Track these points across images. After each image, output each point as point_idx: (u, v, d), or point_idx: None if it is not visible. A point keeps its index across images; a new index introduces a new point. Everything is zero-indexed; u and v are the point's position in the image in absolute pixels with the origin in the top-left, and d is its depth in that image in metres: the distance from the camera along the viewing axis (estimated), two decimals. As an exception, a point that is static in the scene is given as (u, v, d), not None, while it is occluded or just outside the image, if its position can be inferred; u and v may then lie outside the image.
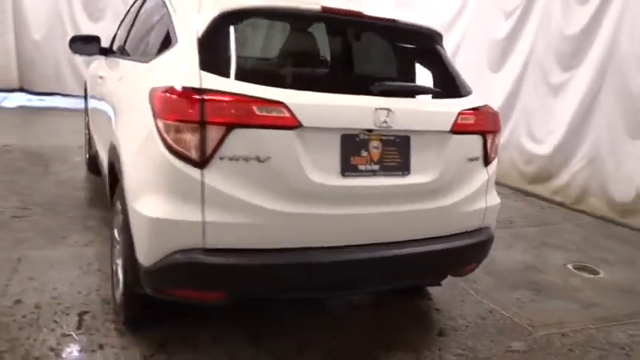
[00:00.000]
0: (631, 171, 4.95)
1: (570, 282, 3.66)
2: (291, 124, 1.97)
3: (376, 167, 2.16)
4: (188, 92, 1.93)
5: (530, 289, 3.44)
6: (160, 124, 1.96)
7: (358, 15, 2.26)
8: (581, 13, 5.36)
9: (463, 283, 3.31)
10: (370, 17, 2.27)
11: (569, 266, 3.94)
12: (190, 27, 2.17)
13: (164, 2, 2.58)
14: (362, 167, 2.13)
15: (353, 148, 2.11)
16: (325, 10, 2.18)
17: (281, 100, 1.97)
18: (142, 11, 3.23)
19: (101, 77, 3.48)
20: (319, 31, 2.22)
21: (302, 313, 2.82)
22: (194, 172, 1.93)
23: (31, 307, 2.60)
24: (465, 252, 2.43)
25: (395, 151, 2.19)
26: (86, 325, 2.50)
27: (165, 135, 1.95)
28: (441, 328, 2.81)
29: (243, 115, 1.93)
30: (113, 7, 8.52)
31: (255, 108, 1.94)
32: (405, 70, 2.39)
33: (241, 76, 2.01)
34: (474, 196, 2.44)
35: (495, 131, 2.49)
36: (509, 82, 6.05)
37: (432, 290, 3.18)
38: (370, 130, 2.12)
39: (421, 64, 2.43)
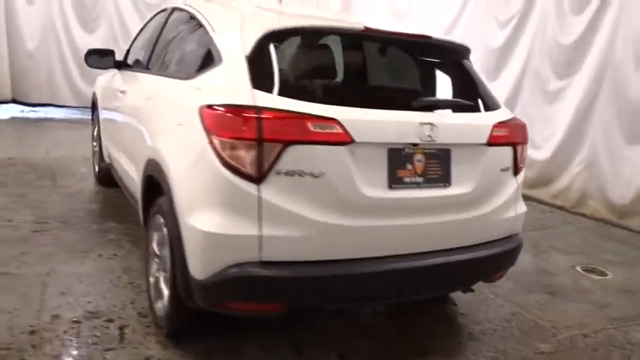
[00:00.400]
0: (628, 174, 5.13)
1: (581, 284, 3.79)
2: (344, 140, 2.05)
3: (420, 180, 2.24)
4: (245, 110, 2.00)
5: (545, 292, 3.55)
6: (216, 141, 2.02)
7: (396, 33, 2.35)
8: (576, 23, 5.55)
9: (483, 288, 3.41)
10: (407, 35, 2.36)
11: (578, 268, 4.08)
12: (236, 46, 2.24)
13: (200, 21, 2.64)
14: (407, 180, 2.21)
15: (399, 162, 2.19)
16: (367, 29, 2.27)
17: (334, 116, 2.04)
18: (167, 28, 3.27)
19: (122, 91, 3.51)
20: (360, 49, 2.31)
21: (339, 320, 2.89)
22: (251, 188, 1.99)
23: (69, 322, 2.62)
24: (499, 259, 2.53)
25: (437, 163, 2.28)
26: (128, 339, 2.53)
27: (221, 152, 2.00)
28: (470, 332, 2.91)
29: (298, 132, 2.00)
30: (107, 18, 8.51)
31: (310, 125, 2.01)
32: (440, 85, 2.49)
33: (292, 93, 2.08)
34: (506, 204, 2.54)
35: (524, 142, 2.60)
36: (506, 90, 6.20)
37: (454, 295, 3.27)
38: (415, 144, 2.21)
39: (453, 78, 2.53)
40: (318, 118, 2.02)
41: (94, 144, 5.06)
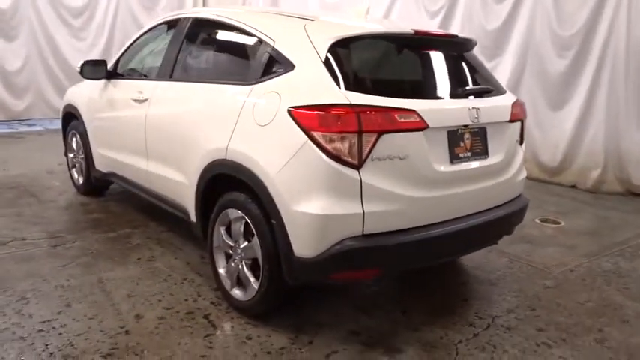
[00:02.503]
0: (555, 138, 6.05)
1: (545, 232, 4.54)
2: (421, 126, 2.47)
3: (469, 154, 2.73)
4: (344, 107, 2.35)
5: (524, 241, 4.23)
6: (318, 135, 2.35)
7: (433, 34, 2.81)
8: (499, 11, 6.36)
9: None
10: (444, 35, 2.82)
11: (537, 220, 4.83)
12: (309, 53, 2.56)
13: (248, 31, 2.92)
14: (461, 155, 2.69)
15: (455, 141, 2.66)
16: (416, 32, 2.71)
17: (413, 107, 2.46)
18: (193, 38, 3.45)
19: (138, 100, 3.62)
20: (411, 49, 2.74)
21: (388, 287, 3.34)
22: (353, 173, 2.36)
23: (155, 320, 2.80)
24: (519, 213, 3.10)
25: (478, 140, 2.78)
26: (218, 325, 2.78)
27: (325, 144, 2.34)
28: (488, 280, 3.48)
29: (389, 123, 2.39)
30: (28, 25, 8.07)
31: (397, 116, 2.41)
32: (468, 75, 2.98)
33: (370, 90, 2.45)
34: (519, 169, 3.12)
35: (525, 117, 3.18)
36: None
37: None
38: (466, 126, 2.69)
39: (472, 68, 3.03)
40: (402, 110, 2.43)
41: (71, 155, 4.99)
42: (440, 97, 2.66)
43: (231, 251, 2.90)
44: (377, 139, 2.37)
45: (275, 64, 2.71)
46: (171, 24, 3.69)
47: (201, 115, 3.02)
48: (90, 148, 4.51)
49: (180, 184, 3.27)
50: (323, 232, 2.40)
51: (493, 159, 2.86)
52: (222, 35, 3.29)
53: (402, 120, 2.42)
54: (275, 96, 2.57)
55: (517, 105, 3.05)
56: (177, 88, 3.35)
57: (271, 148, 2.53)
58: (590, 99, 5.80)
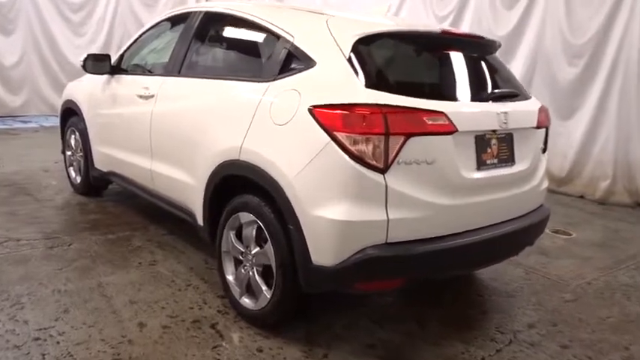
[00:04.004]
0: (563, 147, 5.95)
1: (558, 243, 4.41)
2: (450, 130, 2.33)
3: (496, 161, 2.59)
4: (371, 107, 2.21)
5: (538, 253, 4.09)
6: (342, 136, 2.21)
7: (464, 35, 2.68)
8: (509, 17, 6.25)
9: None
10: (471, 35, 2.69)
11: (548, 231, 4.70)
12: (332, 50, 2.42)
13: (265, 27, 2.77)
14: (488, 161, 2.55)
15: (482, 147, 2.52)
16: (444, 32, 2.58)
17: (442, 110, 2.32)
18: (204, 33, 3.29)
19: (144, 96, 3.46)
20: (438, 49, 2.60)
21: (401, 296, 3.19)
22: (378, 177, 2.21)
23: (159, 328, 2.64)
24: (542, 223, 2.96)
25: (505, 146, 2.65)
26: (226, 335, 2.62)
27: (349, 146, 2.20)
28: (506, 291, 3.34)
29: (417, 125, 2.25)
30: (26, 19, 7.89)
31: (425, 118, 2.27)
32: (493, 78, 2.85)
33: (396, 90, 2.31)
34: (542, 178, 2.99)
35: (550, 125, 3.05)
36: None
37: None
38: (494, 131, 2.56)
39: (497, 71, 2.90)
40: (431, 112, 2.29)
41: (69, 153, 4.82)
42: (468, 100, 2.53)
43: (241, 257, 2.74)
44: (404, 142, 2.23)
45: (294, 61, 2.57)
46: (180, 18, 3.53)
47: (213, 112, 2.86)
48: (89, 146, 4.34)
49: (186, 185, 3.11)
50: (344, 239, 2.25)
51: (519, 166, 2.73)
52: (236, 30, 3.14)
53: (431, 122, 2.29)
54: (294, 94, 2.43)
55: (543, 111, 2.93)
56: (186, 84, 3.20)
57: (290, 149, 2.38)
58: (601, 108, 5.70)
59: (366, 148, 2.20)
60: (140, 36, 3.95)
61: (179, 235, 3.85)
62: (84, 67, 3.89)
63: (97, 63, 3.88)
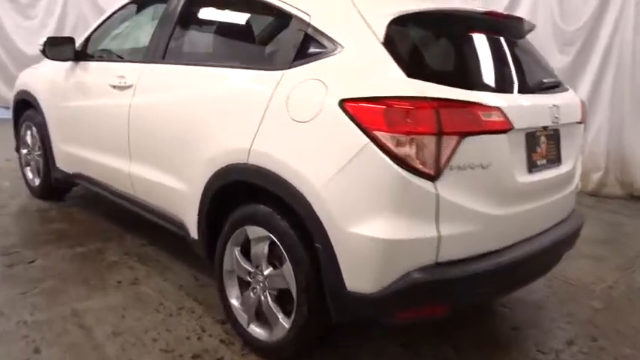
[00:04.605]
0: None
1: (564, 242, 4.18)
2: (506, 127, 1.98)
3: (545, 161, 2.26)
4: (420, 101, 1.82)
5: (549, 253, 3.85)
6: (385, 137, 1.82)
7: (506, 16, 2.32)
8: (498, 2, 5.96)
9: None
10: (511, 17, 2.33)
11: (550, 228, 4.48)
12: (363, 32, 2.02)
13: (274, 4, 2.32)
14: (538, 162, 2.22)
15: (532, 146, 2.18)
16: (487, 13, 2.21)
17: (497, 104, 1.96)
18: (193, 13, 2.80)
19: (119, 86, 2.96)
20: (481, 33, 2.22)
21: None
22: (428, 185, 1.84)
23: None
24: (580, 228, 2.66)
25: (553, 144, 2.32)
26: (235, 372, 2.21)
27: (393, 148, 1.81)
28: (533, 302, 3.04)
29: (472, 123, 1.89)
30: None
31: (481, 114, 1.90)
32: (533, 65, 2.50)
33: (444, 81, 1.93)
34: (578, 178, 2.69)
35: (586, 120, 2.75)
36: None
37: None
38: (545, 127, 2.22)
39: (534, 58, 2.55)
40: (486, 107, 1.93)
41: (25, 151, 4.22)
42: (518, 92, 2.18)
43: (249, 278, 2.33)
44: (458, 143, 1.85)
45: (312, 45, 2.15)
46: None
47: (210, 107, 2.41)
48: (50, 144, 3.77)
49: (176, 192, 2.65)
50: (388, 261, 1.87)
51: (565, 167, 2.41)
52: (235, 9, 2.66)
53: (487, 119, 1.92)
54: (318, 85, 2.01)
55: (583, 104, 2.62)
56: (174, 73, 2.71)
57: (316, 152, 1.97)
58: (593, 99, 5.49)
59: (413, 151, 1.81)
60: (110, 16, 3.40)
61: (161, 245, 3.37)
62: (43, 51, 3.33)
63: (58, 48, 3.33)
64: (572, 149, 2.47)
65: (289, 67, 2.16)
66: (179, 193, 2.62)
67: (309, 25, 2.17)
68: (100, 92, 3.14)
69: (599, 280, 3.41)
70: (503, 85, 2.18)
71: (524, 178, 2.13)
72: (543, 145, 2.25)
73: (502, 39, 2.30)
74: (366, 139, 1.84)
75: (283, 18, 2.30)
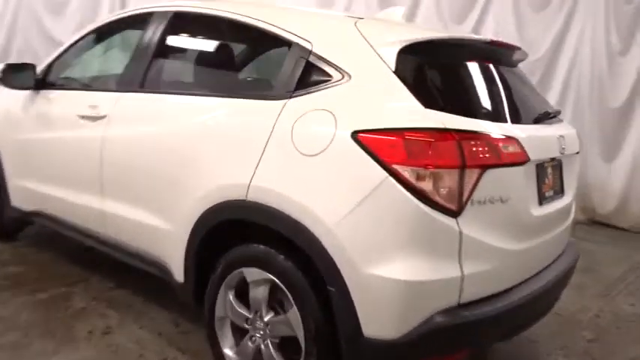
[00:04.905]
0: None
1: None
2: (523, 159, 1.92)
3: (552, 192, 2.21)
4: (442, 133, 1.72)
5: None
6: (406, 170, 1.70)
7: (508, 45, 2.28)
8: (458, 32, 6.09)
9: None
10: (512, 46, 2.28)
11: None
12: (372, 61, 1.92)
13: (269, 31, 2.19)
14: (547, 194, 2.16)
15: (541, 177, 2.12)
16: (492, 42, 2.16)
17: (514, 135, 1.89)
18: (172, 38, 2.61)
19: (91, 117, 2.71)
20: (486, 61, 2.16)
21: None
22: (450, 222, 1.74)
23: None
24: (577, 259, 2.62)
25: (557, 175, 2.27)
26: None
27: (415, 183, 1.70)
28: (526, 335, 2.92)
29: (494, 155, 1.81)
30: None
31: (501, 146, 1.83)
32: (534, 95, 2.47)
33: (459, 111, 1.85)
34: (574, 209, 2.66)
35: None
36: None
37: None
38: (553, 159, 2.18)
39: (529, 87, 2.52)
40: (506, 139, 1.86)
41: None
42: (527, 122, 2.13)
43: (246, 325, 2.13)
44: (480, 176, 1.77)
45: (315, 74, 2.02)
46: (137, 20, 2.80)
47: (200, 139, 2.22)
48: (4, 180, 3.44)
49: (158, 231, 2.43)
50: (410, 304, 1.74)
51: (567, 197, 2.37)
52: (226, 34, 2.50)
53: (506, 151, 1.85)
54: (326, 115, 1.88)
55: (578, 134, 2.61)
56: (156, 102, 2.51)
57: (327, 186, 1.83)
58: (554, 126, 5.65)
59: (435, 185, 1.71)
60: (75, 42, 3.16)
61: (133, 288, 3.10)
62: (2, 79, 3.05)
63: (17, 75, 3.06)
64: (572, 179, 2.44)
65: (290, 97, 2.02)
66: (162, 232, 2.41)
67: (310, 52, 2.05)
68: (66, 123, 2.89)
69: (584, 309, 3.39)
70: (515, 116, 2.12)
71: (537, 210, 2.07)
72: (550, 177, 2.20)
73: (504, 68, 2.25)
74: (385, 173, 1.72)
75: (281, 45, 2.18)
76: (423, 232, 1.72)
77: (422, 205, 1.70)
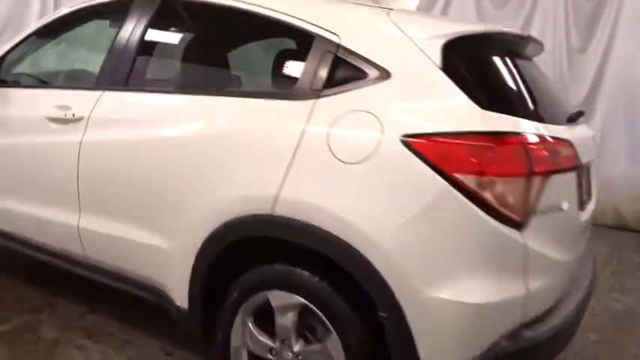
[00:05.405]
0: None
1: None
2: (577, 163, 1.79)
3: (586, 196, 2.10)
4: (509, 138, 1.56)
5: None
6: (470, 180, 1.52)
7: (537, 40, 2.15)
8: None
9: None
10: (532, 39, 2.15)
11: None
12: (409, 55, 1.72)
13: (285, 21, 1.93)
14: (584, 198, 2.05)
15: (580, 181, 2.00)
16: (529, 37, 2.02)
17: (568, 138, 1.76)
18: (168, 27, 2.29)
19: (59, 120, 2.35)
20: (520, 58, 2.00)
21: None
22: (515, 234, 1.57)
23: None
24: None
25: (588, 179, 2.17)
26: None
27: (480, 193, 1.52)
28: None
29: (556, 160, 1.67)
30: None
31: (560, 150, 1.69)
32: (554, 92, 2.34)
33: (516, 112, 1.68)
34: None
35: None
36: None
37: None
38: (590, 160, 2.06)
39: (549, 84, 2.40)
40: (562, 142, 1.72)
41: None
42: (563, 123, 1.99)
43: (270, 355, 1.88)
44: (543, 184, 1.61)
45: (345, 70, 1.80)
46: (116, 6, 2.45)
47: (211, 145, 1.93)
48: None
49: (153, 251, 2.12)
50: (478, 329, 1.57)
51: (593, 203, 2.27)
52: (235, 23, 2.17)
53: (564, 155, 1.72)
54: (368, 117, 1.67)
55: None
56: (152, 102, 2.17)
57: (374, 198, 1.61)
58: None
59: (501, 195, 1.54)
60: (32, 34, 2.73)
61: (108, 312, 2.74)
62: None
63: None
64: (595, 182, 2.35)
65: (319, 97, 1.79)
66: (159, 251, 2.10)
67: (338, 46, 1.82)
68: (30, 127, 2.48)
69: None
70: (556, 116, 1.97)
71: (582, 216, 1.95)
72: (585, 180, 2.09)
73: (530, 64, 2.11)
74: (445, 183, 1.53)
75: (301, 38, 1.93)
76: (489, 247, 1.55)
77: (488, 218, 1.53)
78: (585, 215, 2.04)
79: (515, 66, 1.90)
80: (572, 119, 2.09)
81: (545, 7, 5.59)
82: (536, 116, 1.76)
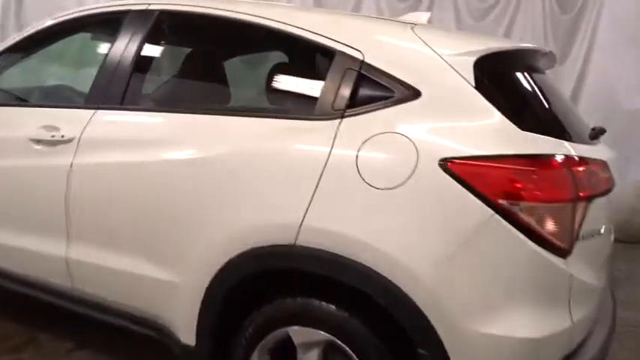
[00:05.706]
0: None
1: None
2: (611, 185, 1.72)
3: (609, 217, 2.05)
4: (554, 161, 1.47)
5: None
6: (516, 207, 1.43)
7: (554, 57, 2.08)
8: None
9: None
10: (544, 52, 2.08)
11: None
12: (440, 72, 1.62)
13: (303, 37, 1.80)
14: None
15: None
16: (547, 51, 1.95)
17: (603, 158, 1.69)
18: (165, 41, 2.12)
19: (45, 141, 2.15)
20: (541, 73, 1.93)
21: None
22: (560, 263, 1.49)
23: None
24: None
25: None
26: None
27: (528, 220, 1.43)
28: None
29: (598, 183, 1.60)
30: None
31: (599, 172, 1.62)
32: (572, 107, 2.28)
33: (554, 133, 1.61)
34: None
35: None
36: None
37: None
38: (610, 180, 2.01)
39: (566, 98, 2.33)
40: (599, 163, 1.66)
41: None
42: (592, 141, 1.92)
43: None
44: (586, 208, 1.54)
45: (370, 88, 1.68)
46: (108, 18, 2.27)
47: (223, 168, 1.78)
48: None
49: (156, 284, 1.94)
50: (526, 366, 1.46)
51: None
52: (238, 39, 2.05)
53: (603, 176, 1.65)
54: (400, 139, 1.55)
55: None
56: (157, 123, 1.99)
57: (412, 227, 1.50)
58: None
59: (548, 222, 1.45)
60: (10, 47, 2.51)
61: (96, 347, 2.53)
62: None
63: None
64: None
65: (343, 117, 1.67)
66: (163, 284, 1.92)
67: (362, 63, 1.70)
68: (7, 150, 2.28)
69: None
70: (582, 134, 1.88)
71: (604, 237, 1.88)
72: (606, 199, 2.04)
73: (550, 80, 2.04)
74: (489, 210, 1.43)
75: (321, 54, 1.81)
76: (538, 277, 1.46)
77: (536, 247, 1.43)
78: (611, 235, 1.99)
79: (541, 83, 1.83)
80: (595, 137, 2.03)
81: (524, 19, 5.64)
82: (567, 135, 1.69)
